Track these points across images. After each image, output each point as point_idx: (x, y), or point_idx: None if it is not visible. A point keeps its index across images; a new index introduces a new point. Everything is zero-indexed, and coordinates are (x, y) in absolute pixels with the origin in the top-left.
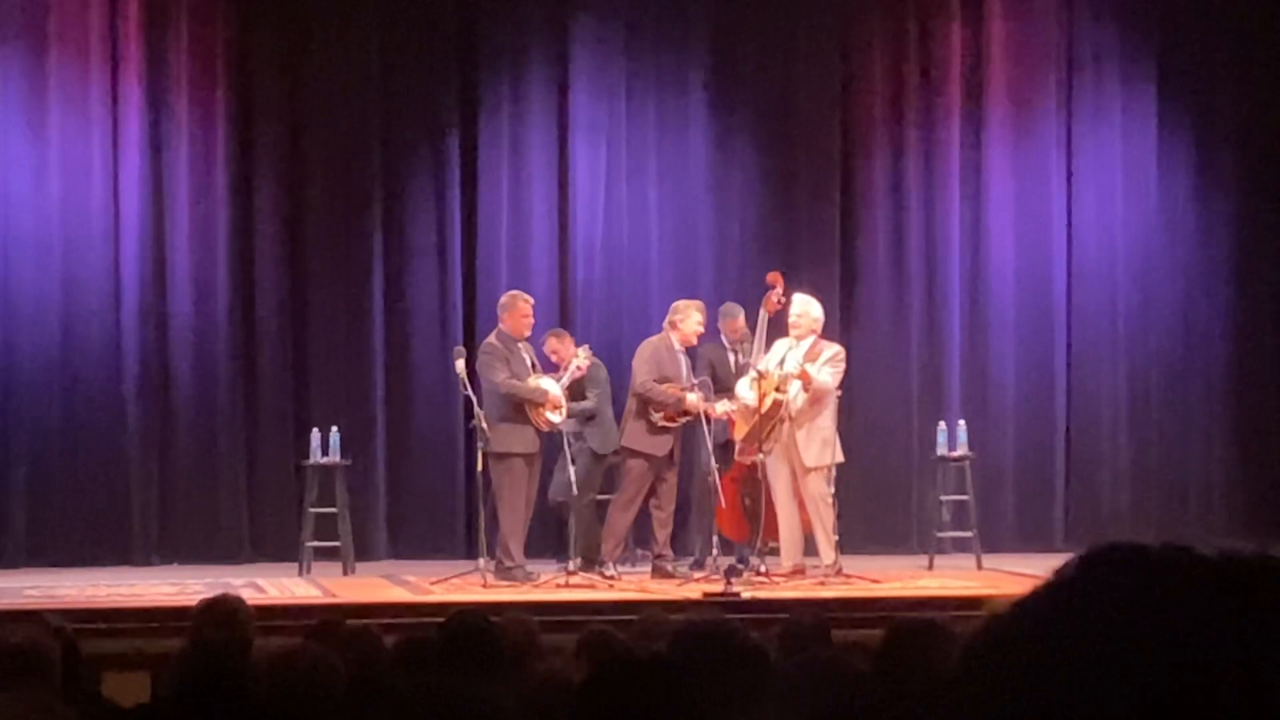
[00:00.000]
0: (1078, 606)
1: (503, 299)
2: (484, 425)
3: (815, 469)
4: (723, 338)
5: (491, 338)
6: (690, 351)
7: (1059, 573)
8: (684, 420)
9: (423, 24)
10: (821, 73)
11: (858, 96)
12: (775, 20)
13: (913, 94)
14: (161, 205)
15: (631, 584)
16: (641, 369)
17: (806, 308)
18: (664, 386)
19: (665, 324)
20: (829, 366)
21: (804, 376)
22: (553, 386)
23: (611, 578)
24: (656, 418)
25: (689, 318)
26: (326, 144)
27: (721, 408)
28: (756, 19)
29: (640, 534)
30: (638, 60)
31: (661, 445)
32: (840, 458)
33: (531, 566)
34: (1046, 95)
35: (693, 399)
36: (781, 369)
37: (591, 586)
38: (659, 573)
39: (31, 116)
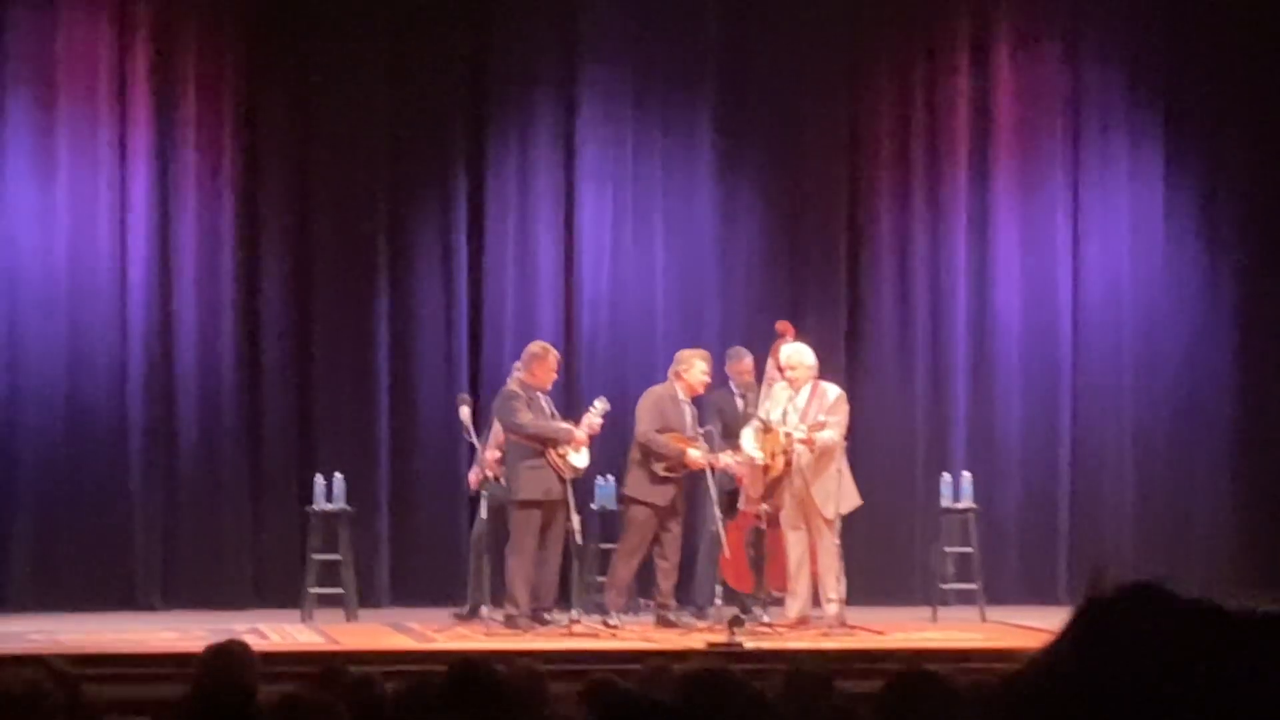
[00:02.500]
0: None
1: (534, 349)
2: (489, 473)
3: (826, 518)
4: (731, 383)
5: (513, 384)
6: (697, 400)
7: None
8: (685, 471)
9: (431, 73)
10: (828, 121)
11: (864, 145)
12: (782, 69)
13: (919, 142)
14: (168, 253)
15: (635, 633)
16: (644, 418)
17: (800, 357)
18: (666, 437)
19: (670, 373)
20: (833, 416)
21: (809, 444)
22: (578, 432)
23: (615, 627)
24: (658, 468)
25: (693, 367)
26: (333, 192)
27: (725, 459)
28: (764, 67)
29: (643, 583)
30: (645, 109)
31: (664, 495)
32: (857, 501)
33: (551, 615)
34: (1053, 145)
35: (695, 454)
36: (785, 424)
37: (594, 636)
38: (662, 622)
39: (40, 164)
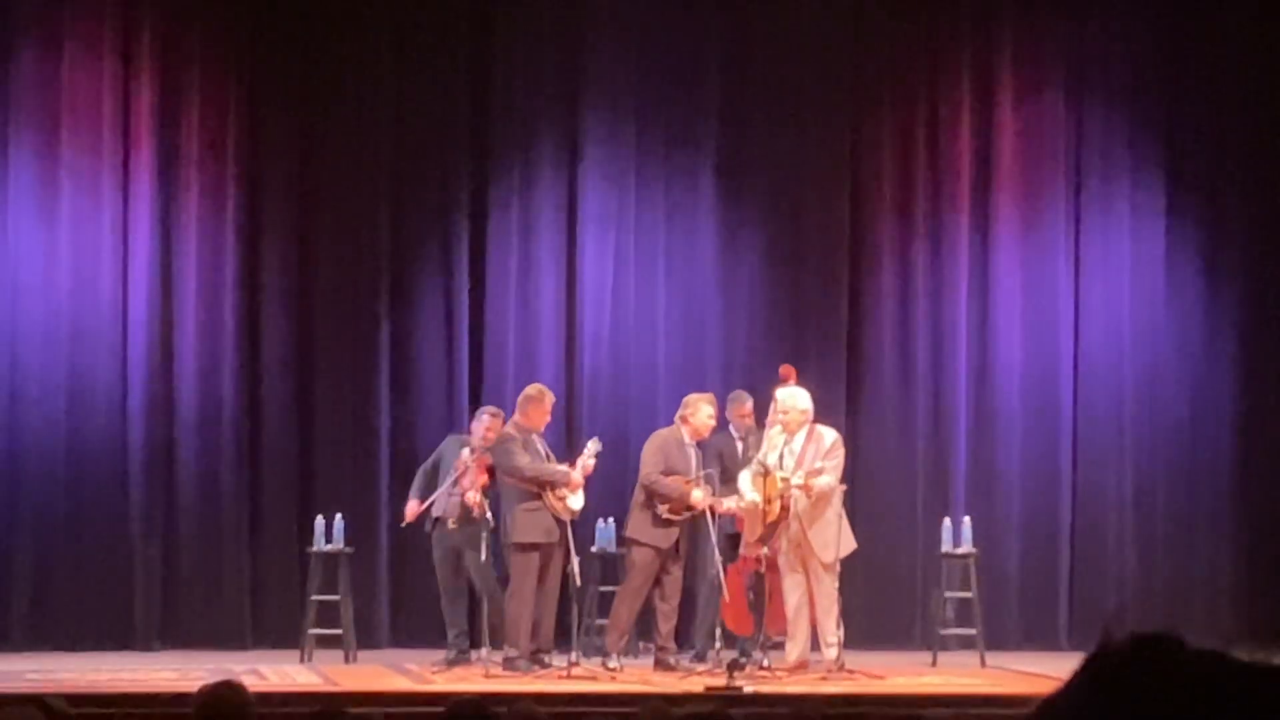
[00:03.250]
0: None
1: (530, 391)
2: (489, 515)
3: (825, 562)
4: (731, 427)
5: (509, 428)
6: (700, 443)
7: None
8: (689, 514)
9: (434, 114)
10: (829, 166)
11: (866, 189)
12: (784, 114)
13: (921, 187)
14: (170, 293)
15: (633, 676)
16: (649, 460)
17: (793, 401)
18: (670, 479)
19: (676, 417)
20: (829, 460)
21: (806, 489)
22: (574, 474)
23: (614, 669)
24: (661, 510)
25: (699, 411)
26: (336, 233)
27: (729, 503)
28: (766, 112)
29: (643, 626)
30: (647, 152)
31: (666, 538)
32: (853, 545)
33: (549, 657)
34: (1055, 190)
35: (698, 496)
36: (781, 468)
37: (593, 678)
38: (661, 665)
39: (43, 203)
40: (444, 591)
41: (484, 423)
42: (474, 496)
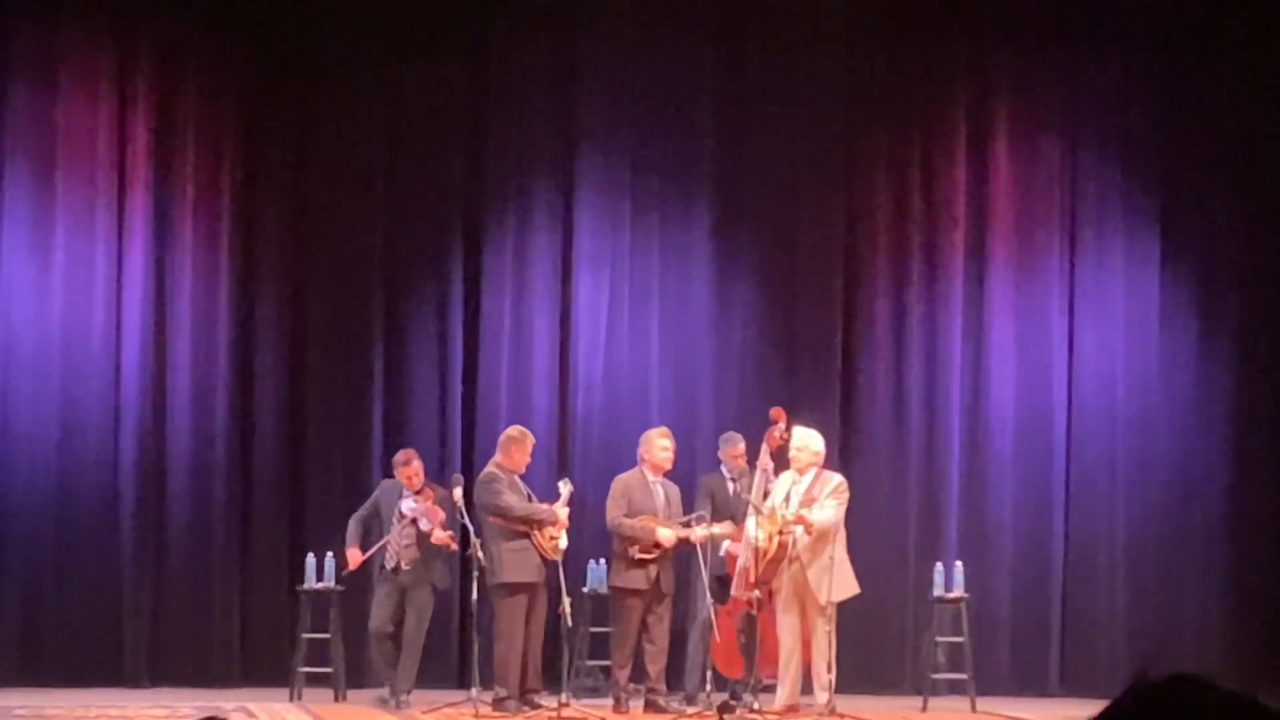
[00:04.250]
0: None
1: (512, 433)
2: (479, 555)
3: (824, 605)
4: (723, 467)
5: (492, 468)
6: (692, 484)
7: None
8: (660, 552)
9: (429, 153)
10: (824, 210)
11: (861, 234)
12: (778, 157)
13: (916, 233)
14: (163, 329)
15: (624, 718)
16: (610, 506)
17: (807, 441)
18: (634, 521)
19: (637, 457)
20: (832, 499)
21: (802, 522)
22: (560, 513)
23: (623, 711)
24: (633, 552)
25: (652, 445)
26: (330, 271)
27: (700, 532)
28: (760, 155)
29: (635, 669)
30: (641, 195)
31: (643, 579)
32: (855, 589)
33: (541, 698)
34: (1049, 238)
35: (664, 533)
36: (787, 507)
37: (584, 719)
38: (652, 707)
39: (37, 238)
40: (377, 636)
41: (413, 467)
42: (441, 534)
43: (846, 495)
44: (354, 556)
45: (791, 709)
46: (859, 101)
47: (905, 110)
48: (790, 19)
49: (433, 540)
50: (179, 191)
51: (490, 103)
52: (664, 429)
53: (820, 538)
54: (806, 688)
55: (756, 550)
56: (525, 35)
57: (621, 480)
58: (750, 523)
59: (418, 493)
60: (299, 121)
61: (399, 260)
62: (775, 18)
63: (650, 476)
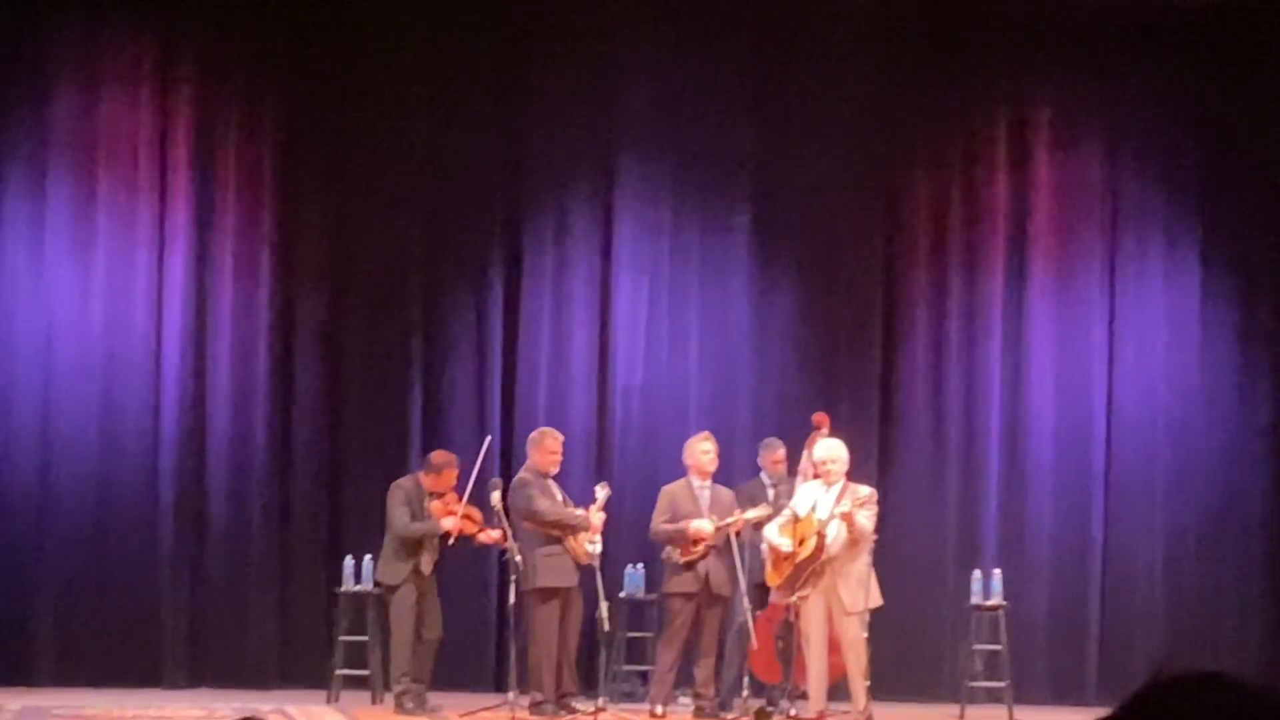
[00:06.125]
0: None
1: (533, 435)
2: (517, 559)
3: (853, 613)
4: (763, 473)
5: (524, 473)
6: (725, 486)
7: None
8: (701, 548)
9: (469, 159)
10: (864, 217)
11: (901, 242)
12: (820, 165)
13: (956, 243)
14: (203, 333)
15: None
16: (654, 516)
17: (838, 452)
18: (671, 524)
19: (684, 465)
20: (866, 509)
21: (848, 519)
22: (593, 518)
23: (660, 717)
24: (675, 555)
25: (694, 449)
26: (369, 275)
27: (735, 517)
28: (799, 163)
29: (686, 673)
30: (681, 202)
31: (690, 582)
32: (879, 600)
33: (577, 702)
34: (1090, 248)
35: (698, 524)
36: (815, 514)
37: None
38: (700, 713)
39: (78, 242)
40: (406, 639)
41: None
42: (494, 534)
43: (876, 508)
44: (492, 536)
45: (821, 717)
46: (899, 111)
47: (945, 119)
48: (831, 26)
49: (488, 538)
50: (220, 194)
51: (530, 109)
52: (705, 433)
53: (854, 543)
54: (841, 694)
55: (779, 553)
56: (565, 41)
57: (666, 490)
58: (772, 528)
59: (441, 495)
60: (339, 125)
61: (438, 265)
62: (816, 25)
63: (696, 482)
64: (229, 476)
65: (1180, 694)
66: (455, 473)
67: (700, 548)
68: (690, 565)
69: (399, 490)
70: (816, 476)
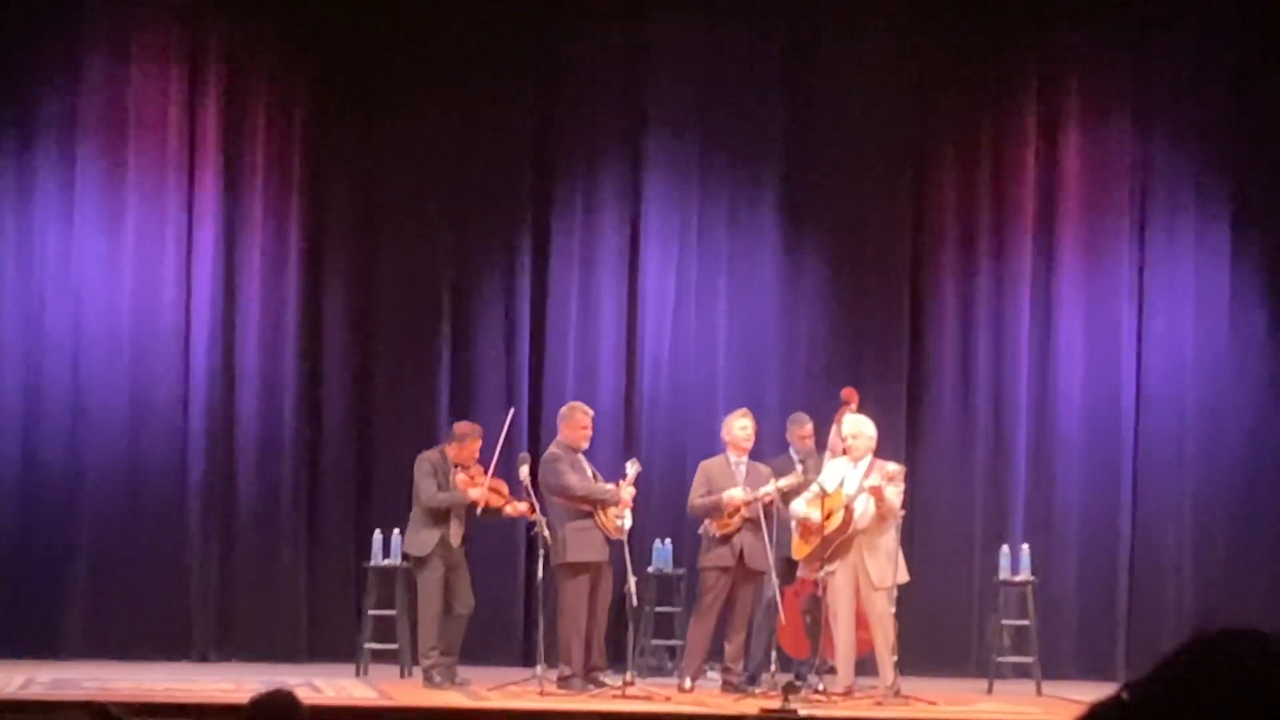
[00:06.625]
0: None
1: (562, 410)
2: (545, 534)
3: (881, 588)
4: (791, 450)
5: (553, 447)
6: (759, 461)
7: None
8: (737, 519)
9: (498, 132)
10: (893, 193)
11: (929, 216)
12: (847, 140)
13: (984, 215)
14: (233, 305)
15: (690, 698)
16: (691, 492)
17: (861, 428)
18: (705, 498)
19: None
20: (894, 485)
21: (876, 493)
22: (623, 494)
23: (688, 690)
24: (712, 529)
25: (730, 427)
26: (397, 249)
27: (769, 489)
28: (829, 139)
29: (718, 649)
30: (710, 177)
31: (725, 556)
32: (905, 576)
33: (605, 677)
34: (1119, 221)
35: (730, 493)
36: (843, 489)
37: (648, 698)
38: (728, 687)
39: (108, 214)
40: (434, 613)
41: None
42: (520, 506)
43: (904, 485)
44: (519, 508)
45: (848, 691)
46: (928, 83)
47: (974, 93)
48: (860, 2)
49: (517, 511)
50: (248, 168)
51: (560, 84)
52: (743, 410)
53: (882, 517)
54: (869, 669)
55: (808, 527)
56: (595, 18)
57: (705, 465)
58: (800, 502)
59: (466, 468)
60: (368, 101)
61: (467, 240)
62: (845, 1)
63: (733, 458)
64: (257, 450)
65: (1222, 649)
66: (479, 443)
67: (736, 519)
68: (726, 539)
69: (425, 462)
70: (845, 452)
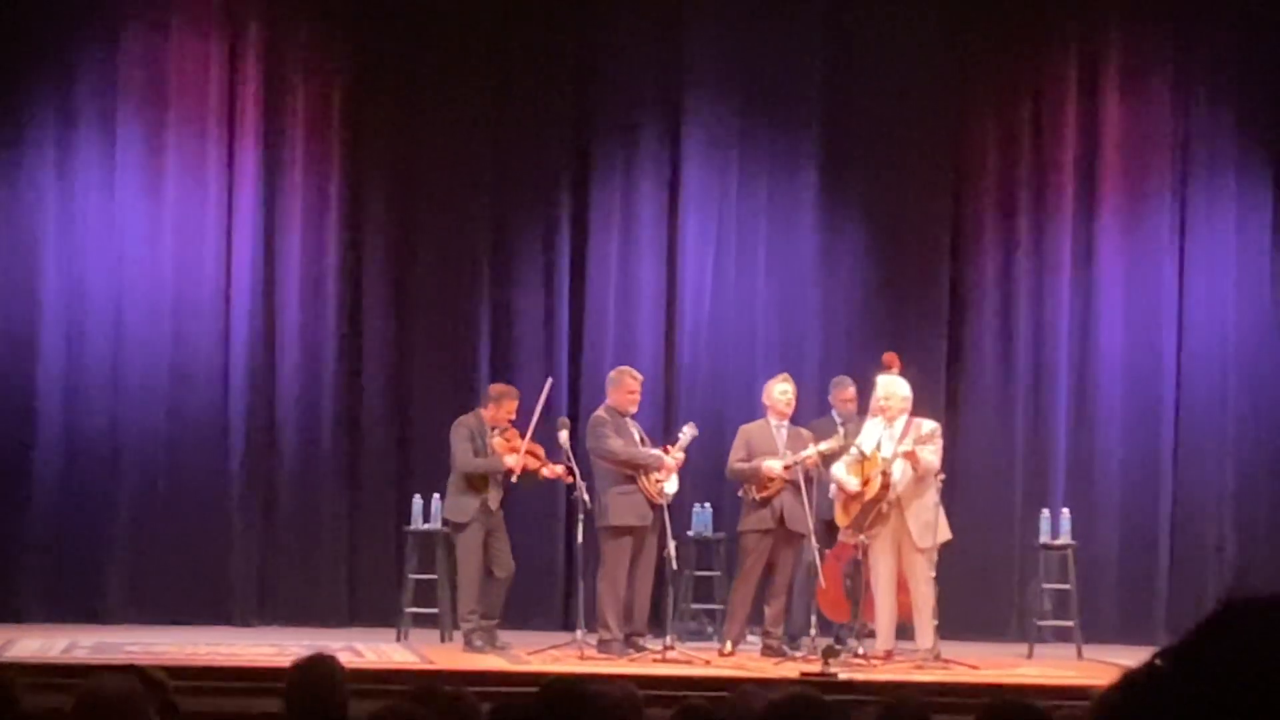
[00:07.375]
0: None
1: (611, 374)
2: (585, 498)
3: (923, 549)
4: (833, 411)
5: (600, 411)
6: (800, 425)
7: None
8: (774, 485)
9: (537, 97)
10: (932, 156)
11: (968, 180)
12: (886, 104)
13: (1024, 178)
14: (273, 271)
15: (729, 661)
16: (731, 455)
17: (894, 388)
18: (744, 464)
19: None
20: (930, 445)
21: (910, 457)
22: (668, 459)
23: (729, 654)
24: (751, 493)
25: (771, 391)
26: (437, 213)
27: (809, 451)
28: (868, 102)
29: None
30: (749, 140)
31: (765, 519)
32: (948, 534)
33: (645, 641)
34: (1160, 186)
35: (769, 463)
36: (879, 452)
37: (688, 662)
38: (769, 651)
39: (148, 181)
40: (473, 577)
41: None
42: (557, 468)
43: (941, 442)
44: (555, 470)
45: (889, 654)
46: (969, 49)
47: (1014, 55)
48: None
49: (553, 474)
50: (289, 134)
51: (599, 44)
52: (784, 374)
53: (920, 480)
54: (901, 633)
55: (846, 492)
56: None
57: (745, 429)
58: (840, 467)
59: (503, 432)
60: (408, 63)
61: (506, 203)
62: None
63: (774, 422)
64: (298, 414)
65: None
66: (515, 403)
67: (775, 484)
68: (766, 501)
69: (462, 426)
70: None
